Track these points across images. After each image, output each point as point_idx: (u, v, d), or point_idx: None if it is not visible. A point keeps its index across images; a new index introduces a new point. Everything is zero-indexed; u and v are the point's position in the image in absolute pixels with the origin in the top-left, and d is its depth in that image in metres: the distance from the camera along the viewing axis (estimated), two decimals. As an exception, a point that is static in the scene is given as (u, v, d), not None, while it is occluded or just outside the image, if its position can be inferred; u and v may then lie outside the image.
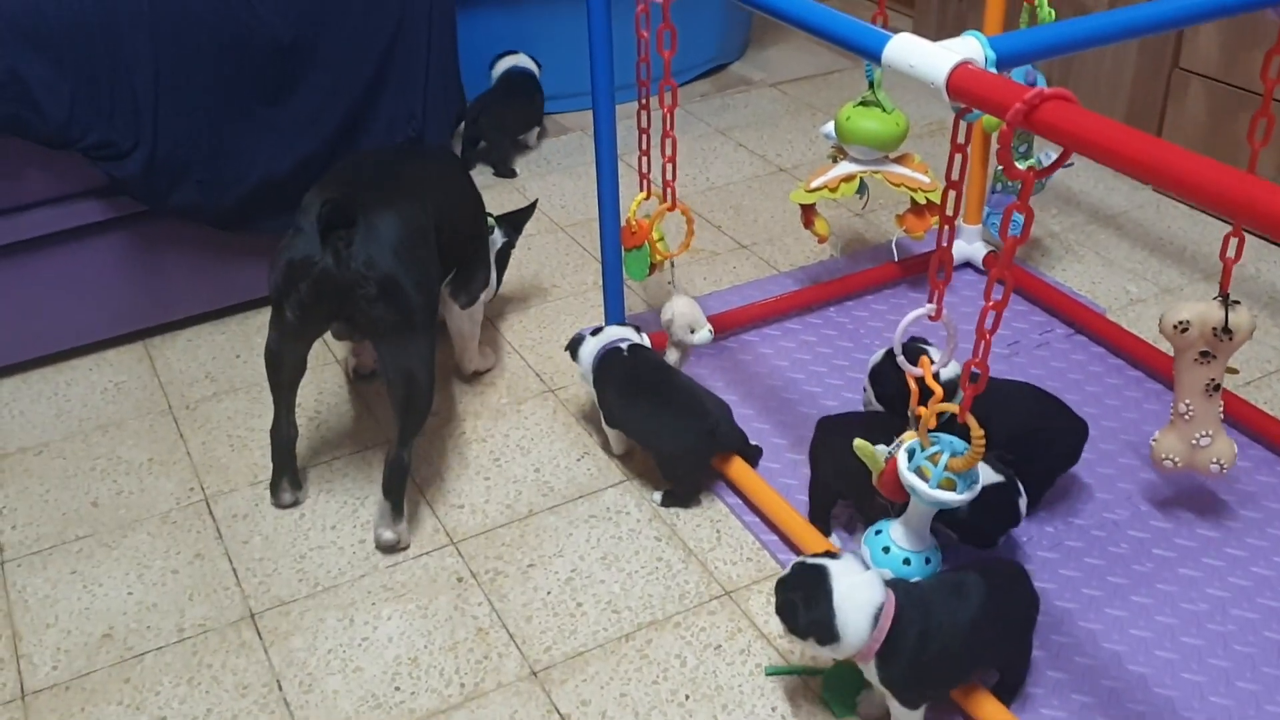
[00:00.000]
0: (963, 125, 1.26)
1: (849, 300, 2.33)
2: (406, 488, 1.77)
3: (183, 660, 1.61)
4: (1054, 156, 1.14)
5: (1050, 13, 2.00)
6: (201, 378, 2.18)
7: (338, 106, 2.18)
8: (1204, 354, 1.65)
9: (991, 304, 1.27)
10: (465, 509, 1.85)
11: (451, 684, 1.56)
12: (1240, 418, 1.93)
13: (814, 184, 2.12)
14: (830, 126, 2.14)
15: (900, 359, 1.48)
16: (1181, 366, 1.68)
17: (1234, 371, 2.01)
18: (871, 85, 2.07)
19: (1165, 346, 1.70)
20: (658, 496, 1.85)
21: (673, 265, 2.00)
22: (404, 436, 1.74)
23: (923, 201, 2.14)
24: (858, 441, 1.50)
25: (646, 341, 1.93)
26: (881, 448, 1.50)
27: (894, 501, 1.51)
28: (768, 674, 1.56)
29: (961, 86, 1.13)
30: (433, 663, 1.59)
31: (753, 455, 1.89)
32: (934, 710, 1.45)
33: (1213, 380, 1.67)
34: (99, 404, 2.12)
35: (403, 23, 2.19)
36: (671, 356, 1.99)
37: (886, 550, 1.48)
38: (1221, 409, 1.69)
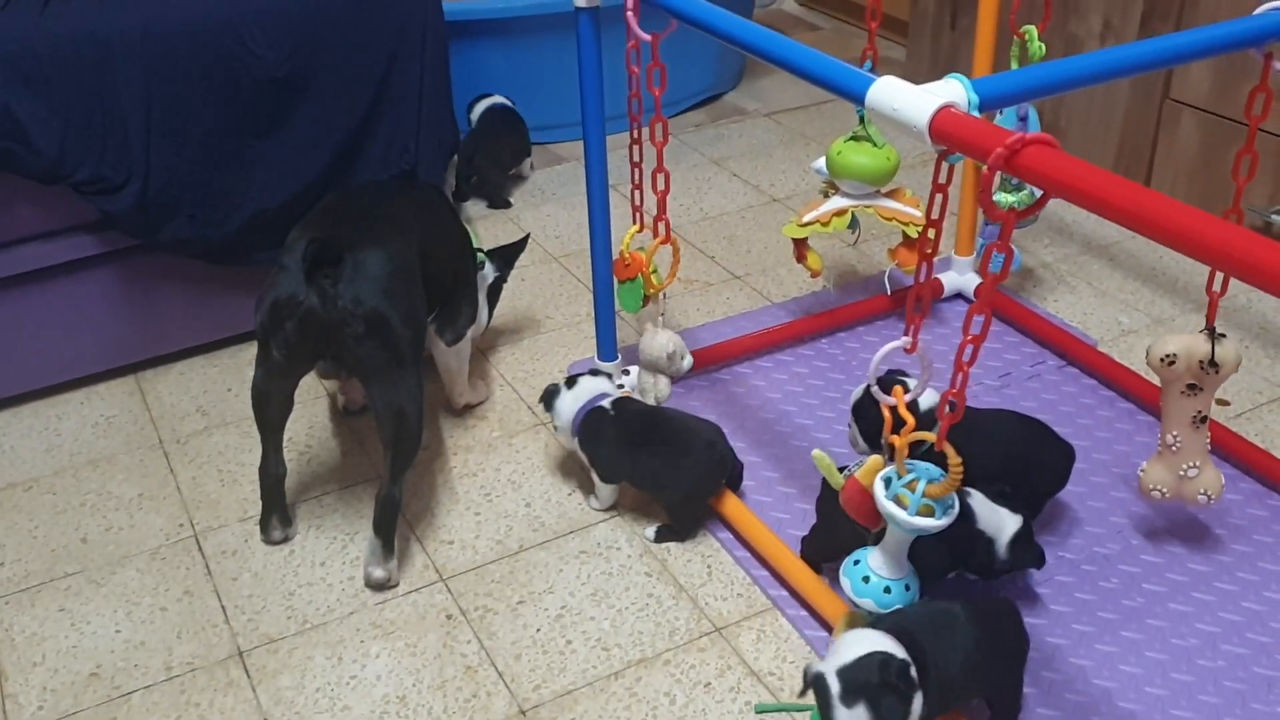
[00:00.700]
0: (944, 165, 1.26)
1: (841, 332, 2.33)
2: (397, 524, 1.77)
3: (170, 699, 1.61)
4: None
5: (1040, 46, 2.01)
6: (193, 411, 2.18)
7: (331, 140, 2.19)
8: (1191, 386, 1.66)
9: (970, 338, 1.27)
10: (455, 545, 1.85)
11: (439, 723, 1.56)
12: (1231, 450, 1.93)
13: (806, 218, 2.12)
14: (821, 162, 2.14)
15: (874, 389, 1.48)
16: (1169, 398, 1.68)
17: (1225, 404, 2.01)
18: (862, 120, 2.07)
19: (1157, 378, 1.70)
20: (651, 532, 1.84)
21: (664, 298, 2.00)
22: (394, 473, 1.74)
23: (914, 235, 2.14)
24: (816, 452, 1.52)
25: (626, 382, 1.94)
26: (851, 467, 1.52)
27: (868, 528, 1.51)
28: (758, 712, 1.55)
29: (944, 131, 1.14)
30: (421, 701, 1.59)
31: (737, 474, 1.89)
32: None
33: (1199, 412, 1.67)
34: (90, 438, 2.12)
35: (396, 56, 2.20)
36: (663, 389, 1.98)
37: (866, 580, 1.47)
38: (1208, 440, 1.70)
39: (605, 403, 1.86)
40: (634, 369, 2.01)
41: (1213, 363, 1.63)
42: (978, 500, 1.61)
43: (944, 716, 1.44)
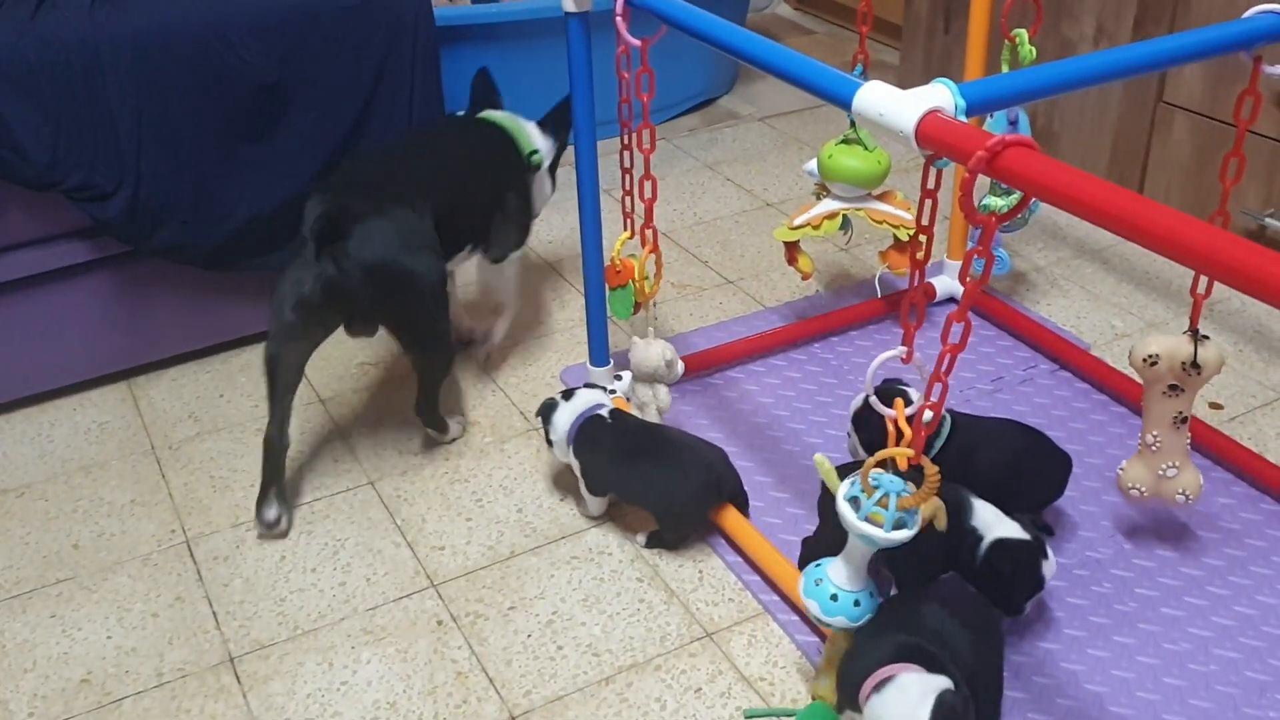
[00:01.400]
0: (933, 170, 1.26)
1: (834, 336, 2.33)
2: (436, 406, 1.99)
3: (161, 705, 1.61)
4: None
5: (1031, 50, 2.01)
6: (185, 417, 2.18)
7: (322, 146, 2.18)
8: (1173, 387, 1.66)
9: (948, 348, 1.27)
10: (446, 550, 1.84)
11: (430, 729, 1.56)
12: (1224, 454, 1.93)
13: (797, 221, 2.12)
14: (813, 164, 2.15)
15: (873, 399, 1.48)
16: (1150, 398, 1.69)
17: (1218, 407, 2.01)
18: (853, 123, 2.07)
19: (1135, 372, 1.70)
20: (642, 538, 1.84)
21: (653, 306, 2.00)
22: (428, 399, 1.98)
23: (905, 238, 2.14)
24: (818, 457, 1.50)
25: (618, 388, 1.93)
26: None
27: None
28: (747, 717, 1.55)
29: (930, 135, 1.14)
30: (411, 707, 1.58)
31: (744, 502, 1.88)
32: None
33: (1180, 413, 1.67)
34: (82, 445, 2.12)
35: (386, 63, 2.20)
36: (664, 398, 1.96)
37: (835, 598, 1.41)
38: (1189, 441, 1.70)
39: (603, 411, 1.85)
40: (625, 375, 2.00)
41: (1195, 364, 1.64)
42: (982, 505, 1.61)
43: None
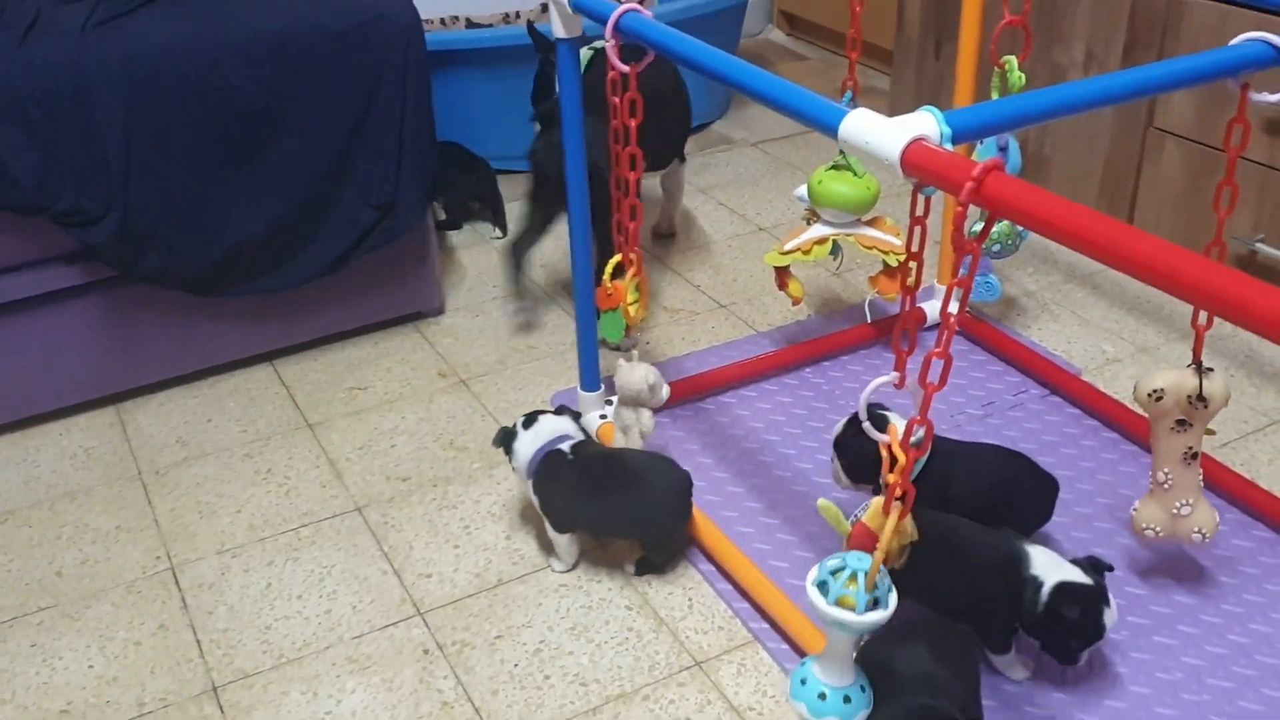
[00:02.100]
0: (920, 198, 1.26)
1: (825, 360, 2.32)
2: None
3: (142, 736, 1.59)
4: None
5: (1020, 77, 2.00)
6: (172, 442, 2.16)
7: (310, 171, 2.18)
8: (1180, 422, 1.63)
9: (930, 388, 1.25)
10: (433, 578, 1.83)
11: (414, 760, 1.54)
12: (1216, 481, 1.91)
13: (787, 246, 2.12)
14: (803, 189, 2.14)
15: (867, 425, 1.46)
16: (1158, 434, 1.66)
17: (1211, 433, 2.00)
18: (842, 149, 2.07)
19: (1144, 412, 1.69)
20: (631, 567, 1.82)
21: (640, 328, 1.99)
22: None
23: (895, 264, 2.14)
24: (821, 502, 1.48)
25: (608, 413, 1.91)
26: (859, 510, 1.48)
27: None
28: (736, 748, 1.53)
29: (915, 163, 1.13)
30: (396, 738, 1.57)
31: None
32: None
33: (1190, 448, 1.65)
34: (68, 470, 2.10)
35: (376, 87, 2.20)
36: (647, 422, 1.94)
37: (823, 696, 1.35)
38: (1201, 476, 1.67)
39: (565, 446, 1.80)
40: (616, 400, 1.99)
41: (1201, 397, 1.61)
42: (1039, 551, 1.58)
43: None
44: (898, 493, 1.34)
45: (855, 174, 2.07)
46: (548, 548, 1.87)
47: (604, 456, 1.83)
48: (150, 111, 2.01)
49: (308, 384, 2.32)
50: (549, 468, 1.78)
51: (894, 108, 3.34)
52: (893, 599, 1.31)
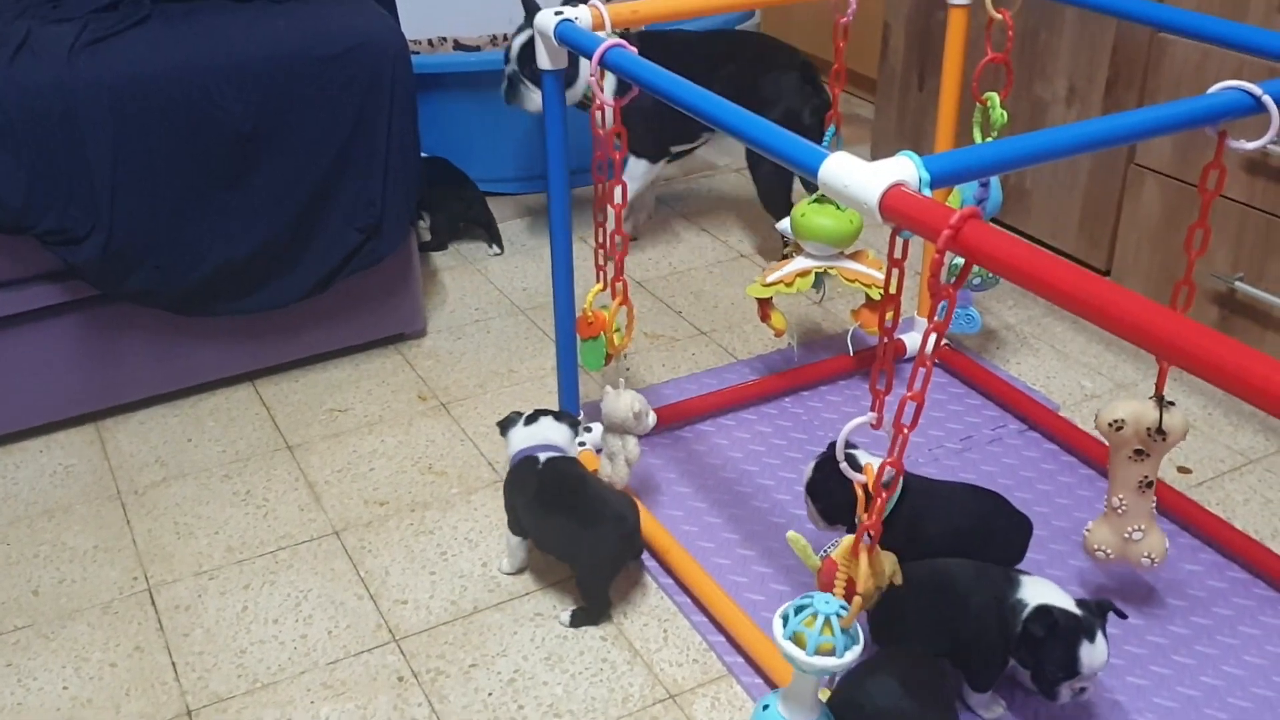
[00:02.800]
0: (899, 240, 1.27)
1: (804, 390, 2.34)
2: None
3: (114, 760, 1.58)
4: None
5: (1002, 114, 2.02)
6: (152, 462, 2.16)
7: (296, 193, 2.19)
8: (1138, 452, 1.67)
9: (902, 430, 1.27)
10: (409, 605, 1.83)
11: (387, 789, 1.54)
12: (1191, 520, 1.93)
13: (769, 279, 2.13)
14: (786, 223, 2.15)
15: (844, 465, 1.47)
16: (1116, 462, 1.70)
17: (1186, 471, 2.02)
18: (826, 182, 2.08)
19: (1101, 435, 1.71)
20: (566, 616, 1.80)
21: (625, 358, 2.00)
22: None
23: (877, 297, 2.15)
24: (791, 534, 1.49)
25: (588, 439, 1.91)
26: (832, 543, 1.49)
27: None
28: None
29: (893, 209, 1.14)
30: (369, 766, 1.57)
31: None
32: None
33: (1146, 477, 1.69)
34: (47, 488, 2.10)
35: (363, 110, 2.21)
36: (632, 449, 1.94)
37: None
38: (1154, 504, 1.71)
39: (542, 455, 1.82)
40: (596, 426, 2.00)
41: (1160, 430, 1.65)
42: (1034, 580, 1.59)
43: None
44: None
45: (838, 207, 2.08)
46: (524, 575, 1.87)
47: (566, 477, 1.81)
48: (137, 132, 2.02)
49: (288, 405, 2.32)
50: (520, 471, 1.83)
51: (877, 138, 3.36)
52: (852, 651, 1.31)
